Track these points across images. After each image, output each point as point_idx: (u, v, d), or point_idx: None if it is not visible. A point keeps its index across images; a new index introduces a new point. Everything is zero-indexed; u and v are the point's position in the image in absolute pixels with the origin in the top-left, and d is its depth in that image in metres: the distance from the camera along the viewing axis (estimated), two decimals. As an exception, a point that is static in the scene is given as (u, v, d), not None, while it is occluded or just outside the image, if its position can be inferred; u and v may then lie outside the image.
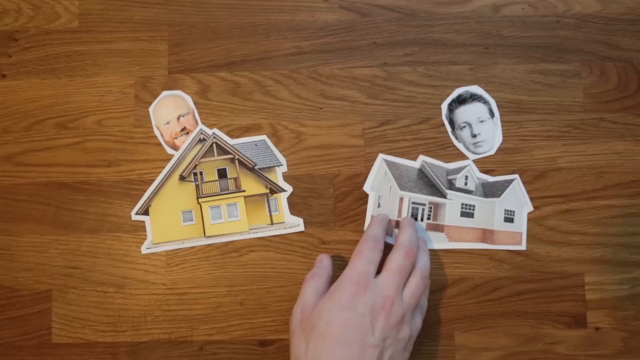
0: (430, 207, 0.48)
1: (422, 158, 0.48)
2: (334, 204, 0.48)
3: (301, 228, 0.47)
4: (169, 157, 0.49)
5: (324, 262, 0.45)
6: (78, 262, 0.48)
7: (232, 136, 0.49)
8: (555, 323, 0.47)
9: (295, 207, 0.48)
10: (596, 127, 0.49)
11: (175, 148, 0.49)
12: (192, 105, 0.49)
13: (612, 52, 0.49)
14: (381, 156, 0.48)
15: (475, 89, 0.49)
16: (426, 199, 0.48)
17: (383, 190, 0.48)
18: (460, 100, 0.49)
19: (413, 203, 0.48)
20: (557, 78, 0.49)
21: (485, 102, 0.48)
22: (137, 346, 0.48)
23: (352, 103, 0.49)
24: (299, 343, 0.40)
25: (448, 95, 0.49)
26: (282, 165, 0.48)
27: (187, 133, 0.49)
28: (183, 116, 0.49)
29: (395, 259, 0.42)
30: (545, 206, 0.48)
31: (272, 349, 0.47)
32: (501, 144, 0.49)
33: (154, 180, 0.49)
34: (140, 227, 0.48)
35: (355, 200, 0.48)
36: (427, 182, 0.48)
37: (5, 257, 0.48)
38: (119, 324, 0.48)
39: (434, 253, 0.48)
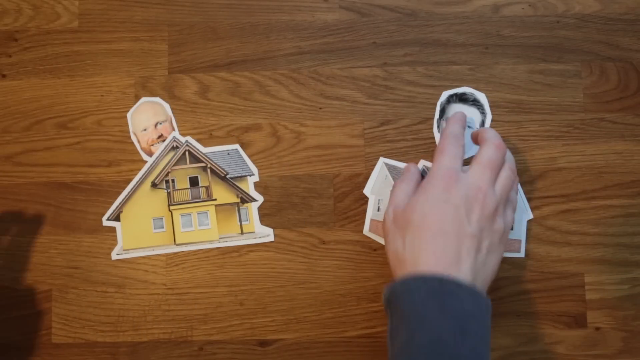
0: None
1: (422, 162, 0.48)
2: (334, 204, 0.48)
3: (271, 238, 0.48)
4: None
5: (412, 170, 0.44)
6: (78, 262, 0.48)
7: (231, 136, 0.49)
8: (555, 323, 0.47)
9: (295, 207, 0.48)
10: (596, 127, 0.49)
11: (151, 155, 0.49)
12: (170, 113, 0.49)
13: (612, 52, 0.49)
14: (382, 160, 0.48)
15: (482, 97, 0.49)
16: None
17: (383, 193, 0.48)
18: (462, 98, 0.49)
19: None
20: (557, 78, 0.49)
21: (483, 112, 0.48)
22: (137, 346, 0.48)
23: (352, 103, 0.49)
24: (395, 239, 0.40)
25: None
26: (253, 174, 0.48)
27: (164, 140, 0.49)
28: (160, 123, 0.49)
29: (486, 153, 0.41)
30: (545, 206, 0.48)
31: (272, 349, 0.47)
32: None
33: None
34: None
35: (355, 200, 0.48)
36: (386, 180, 0.48)
37: (5, 257, 0.48)
38: (119, 324, 0.48)
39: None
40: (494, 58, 0.49)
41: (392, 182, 0.47)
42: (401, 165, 0.48)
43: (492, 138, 0.42)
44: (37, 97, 0.50)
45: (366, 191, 0.48)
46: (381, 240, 0.48)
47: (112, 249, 0.48)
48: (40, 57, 0.50)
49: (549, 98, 0.49)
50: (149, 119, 0.49)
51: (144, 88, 0.50)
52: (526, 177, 0.48)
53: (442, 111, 0.49)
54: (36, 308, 0.48)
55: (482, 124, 0.49)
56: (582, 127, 0.49)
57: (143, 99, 0.49)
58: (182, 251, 0.48)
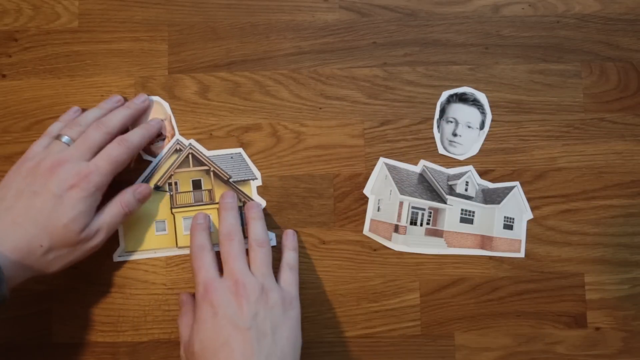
0: (430, 212, 0.48)
1: (423, 163, 0.48)
2: (334, 204, 0.48)
3: (273, 242, 0.47)
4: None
5: (183, 299, 0.46)
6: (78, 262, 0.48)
7: (231, 136, 0.49)
8: (555, 323, 0.47)
9: (295, 207, 0.48)
10: (596, 127, 0.49)
11: (151, 153, 0.49)
12: (170, 112, 0.49)
13: (612, 52, 0.49)
14: (382, 160, 0.48)
15: (482, 97, 0.49)
16: (426, 203, 0.48)
17: (383, 194, 0.48)
18: (462, 98, 0.49)
19: (413, 207, 0.48)
20: (557, 78, 0.49)
21: (483, 112, 0.48)
22: (137, 346, 0.48)
23: (352, 103, 0.49)
24: None
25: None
26: (256, 179, 0.48)
27: (163, 139, 0.49)
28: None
29: (223, 249, 0.43)
30: (545, 206, 0.48)
31: (272, 349, 0.47)
32: (501, 144, 0.49)
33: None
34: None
35: (355, 200, 0.48)
36: (427, 187, 0.48)
37: (5, 257, 0.48)
38: (119, 324, 0.48)
39: (433, 254, 0.48)
40: (494, 58, 0.49)
41: (393, 182, 0.47)
42: (401, 165, 0.48)
43: (222, 233, 0.44)
44: (37, 97, 0.50)
45: (366, 191, 0.48)
46: (382, 240, 0.48)
47: (112, 249, 0.48)
48: (40, 57, 0.50)
49: (549, 98, 0.49)
50: (147, 118, 0.49)
51: (144, 88, 0.50)
52: (526, 177, 0.48)
53: (442, 111, 0.49)
54: (36, 308, 0.48)
55: (482, 124, 0.49)
56: (582, 127, 0.49)
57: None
58: (185, 254, 0.48)
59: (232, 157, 0.48)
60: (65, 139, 0.43)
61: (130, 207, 0.44)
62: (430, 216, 0.48)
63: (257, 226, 0.45)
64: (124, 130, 0.46)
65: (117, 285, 0.48)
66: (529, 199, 0.48)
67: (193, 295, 0.45)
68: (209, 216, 0.46)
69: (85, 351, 0.48)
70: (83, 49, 0.50)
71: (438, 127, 0.49)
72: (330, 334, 0.47)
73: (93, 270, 0.48)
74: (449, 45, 0.50)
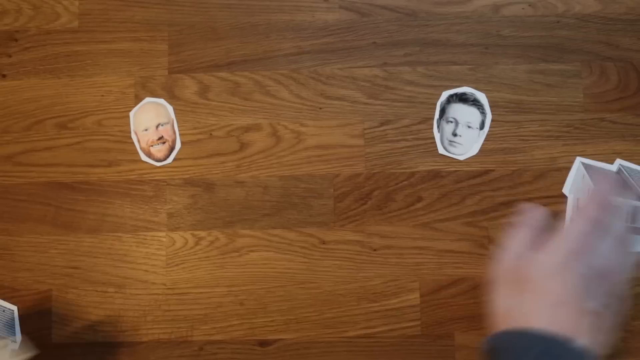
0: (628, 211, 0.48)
1: (619, 162, 0.48)
2: (334, 204, 0.48)
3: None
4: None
5: (535, 214, 0.40)
6: (78, 262, 0.48)
7: (231, 136, 0.49)
8: (555, 323, 0.47)
9: (295, 207, 0.48)
10: (596, 127, 0.49)
11: (151, 156, 0.49)
12: (173, 116, 0.49)
13: (612, 52, 0.49)
14: (579, 159, 0.48)
15: (482, 97, 0.49)
16: (624, 202, 0.47)
17: (581, 192, 0.47)
18: (462, 98, 0.49)
19: None
20: (557, 78, 0.49)
21: (483, 112, 0.48)
22: (137, 346, 0.48)
23: (352, 103, 0.49)
24: (508, 294, 0.37)
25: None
26: (16, 342, 0.46)
27: (164, 142, 0.49)
28: (162, 125, 0.49)
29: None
30: (545, 206, 0.48)
31: (272, 349, 0.47)
32: (501, 144, 0.49)
33: (154, 180, 0.49)
34: (140, 227, 0.48)
35: (355, 200, 0.48)
36: (624, 186, 0.48)
37: (5, 257, 0.48)
38: (119, 324, 0.48)
39: (435, 252, 0.48)
40: (494, 58, 0.49)
41: (590, 182, 0.47)
42: (596, 164, 0.47)
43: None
44: (37, 97, 0.50)
45: (565, 190, 0.48)
46: None
47: (112, 248, 0.48)
48: (40, 57, 0.50)
49: (549, 98, 0.49)
50: (151, 120, 0.49)
51: (144, 88, 0.50)
52: (526, 177, 0.48)
53: (442, 111, 0.49)
54: (36, 308, 0.48)
55: (482, 124, 0.49)
56: (582, 127, 0.49)
57: (147, 99, 0.49)
58: (183, 251, 0.48)
59: (3, 311, 0.46)
60: None
61: None
62: (628, 214, 0.47)
63: None
64: None
65: (117, 285, 0.48)
66: (528, 199, 0.48)
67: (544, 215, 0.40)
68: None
69: (85, 351, 0.48)
70: (83, 49, 0.50)
71: (438, 127, 0.49)
72: (330, 334, 0.47)
73: (93, 270, 0.48)
74: (449, 45, 0.50)
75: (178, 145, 0.49)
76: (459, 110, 0.49)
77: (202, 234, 0.48)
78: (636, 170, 0.48)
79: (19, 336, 0.47)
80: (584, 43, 0.49)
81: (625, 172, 0.48)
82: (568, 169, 0.48)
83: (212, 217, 0.48)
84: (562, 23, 0.50)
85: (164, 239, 0.48)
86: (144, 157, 0.49)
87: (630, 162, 0.48)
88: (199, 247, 0.48)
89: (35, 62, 0.50)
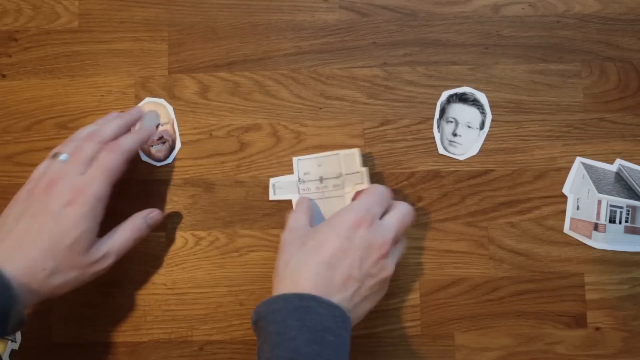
0: (628, 210, 0.48)
1: (619, 162, 0.48)
2: (334, 204, 0.48)
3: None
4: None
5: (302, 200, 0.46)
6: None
7: (231, 136, 0.49)
8: (555, 323, 0.47)
9: (295, 207, 0.48)
10: (596, 127, 0.49)
11: (151, 156, 0.49)
12: (173, 116, 0.49)
13: (612, 52, 0.49)
14: (579, 159, 0.48)
15: (482, 97, 0.49)
16: (624, 202, 0.48)
17: (581, 192, 0.48)
18: (462, 98, 0.49)
19: (611, 206, 0.48)
20: (557, 78, 0.49)
21: (483, 112, 0.48)
22: (137, 346, 0.48)
23: (352, 103, 0.49)
24: (285, 253, 0.41)
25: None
26: (15, 342, 0.46)
27: (164, 142, 0.49)
28: (162, 125, 0.49)
29: (400, 208, 0.42)
30: (545, 206, 0.48)
31: (272, 349, 0.47)
32: (501, 144, 0.49)
33: (155, 179, 0.49)
34: (140, 227, 0.48)
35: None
36: (624, 186, 0.48)
37: (5, 257, 0.48)
38: (119, 324, 0.48)
39: (435, 253, 0.48)
40: (494, 58, 0.49)
41: (590, 181, 0.47)
42: (597, 164, 0.48)
43: (400, 205, 0.43)
44: (37, 97, 0.50)
45: (565, 190, 0.48)
46: (582, 239, 0.47)
47: (112, 249, 0.48)
48: (40, 57, 0.50)
49: (549, 98, 0.49)
50: (153, 120, 0.49)
51: (144, 88, 0.50)
52: (526, 177, 0.48)
53: (442, 111, 0.49)
54: (36, 308, 0.48)
55: (482, 124, 0.49)
56: (582, 127, 0.49)
57: (147, 99, 0.49)
58: (183, 251, 0.48)
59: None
60: (62, 157, 0.42)
61: (141, 231, 0.43)
62: (628, 214, 0.48)
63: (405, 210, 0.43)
64: None
65: (117, 285, 0.48)
66: (529, 199, 0.48)
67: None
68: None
69: (85, 351, 0.48)
70: (83, 49, 0.50)
71: (438, 127, 0.49)
72: (330, 334, 0.47)
73: (93, 270, 0.48)
74: (449, 45, 0.50)
75: (178, 145, 0.49)
76: (459, 110, 0.49)
77: (202, 234, 0.48)
78: (636, 170, 0.48)
79: (18, 336, 0.47)
80: (584, 43, 0.49)
81: (625, 172, 0.48)
82: (568, 169, 0.48)
83: (212, 217, 0.49)
84: (562, 23, 0.50)
85: (163, 239, 0.48)
86: (144, 157, 0.49)
87: (630, 162, 0.48)
88: (198, 247, 0.48)
89: (35, 62, 0.50)
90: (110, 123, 0.44)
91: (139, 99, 0.50)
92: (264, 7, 0.50)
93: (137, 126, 0.47)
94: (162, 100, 0.49)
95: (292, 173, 0.48)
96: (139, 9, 0.50)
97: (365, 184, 0.45)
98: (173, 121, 0.49)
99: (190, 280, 0.48)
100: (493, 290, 0.47)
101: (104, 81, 0.50)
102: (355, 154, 0.46)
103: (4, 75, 0.50)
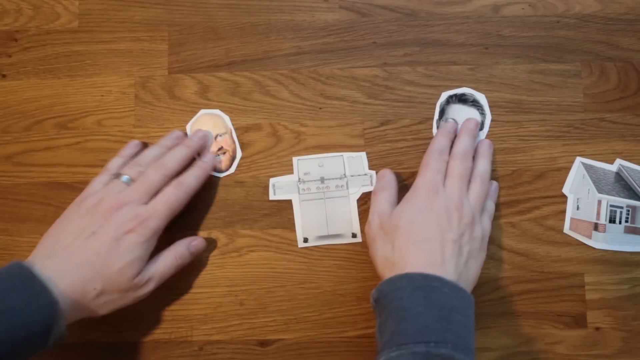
0: (628, 210, 0.48)
1: (619, 162, 0.48)
2: (334, 204, 0.48)
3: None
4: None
5: (387, 177, 0.47)
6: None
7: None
8: (555, 323, 0.47)
9: (295, 207, 0.48)
10: (596, 127, 0.49)
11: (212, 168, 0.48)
12: (230, 125, 0.49)
13: (612, 52, 0.49)
14: (579, 159, 0.48)
15: (481, 98, 0.49)
16: (624, 202, 0.48)
17: (581, 192, 0.48)
18: (461, 99, 0.49)
19: (611, 206, 0.48)
20: (557, 78, 0.49)
21: (483, 113, 0.48)
22: (137, 346, 0.48)
23: (352, 103, 0.49)
24: (384, 243, 0.43)
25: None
26: None
27: (224, 153, 0.49)
28: (220, 135, 0.49)
29: (453, 167, 0.45)
30: (545, 206, 0.48)
31: (272, 349, 0.47)
32: (501, 144, 0.49)
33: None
34: (140, 227, 0.48)
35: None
36: (624, 186, 0.48)
37: (5, 257, 0.48)
38: (119, 324, 0.48)
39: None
40: (494, 58, 0.49)
41: (590, 181, 0.47)
42: (597, 164, 0.48)
43: (458, 152, 0.46)
44: (37, 97, 0.50)
45: (565, 190, 0.48)
46: (582, 239, 0.47)
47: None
48: (40, 57, 0.50)
49: (549, 98, 0.49)
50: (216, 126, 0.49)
51: (144, 88, 0.50)
52: (526, 177, 0.48)
53: (442, 112, 0.49)
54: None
55: (482, 124, 0.49)
56: (582, 127, 0.49)
57: (202, 111, 0.49)
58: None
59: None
60: (124, 178, 0.43)
61: (183, 259, 0.45)
62: (628, 214, 0.48)
63: (485, 163, 0.46)
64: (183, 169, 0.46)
65: (117, 285, 0.48)
66: (528, 199, 0.48)
67: (396, 175, 0.47)
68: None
69: (85, 351, 0.48)
70: (83, 49, 0.50)
71: (437, 127, 0.49)
72: (330, 334, 0.47)
73: (93, 270, 0.48)
74: (449, 45, 0.50)
75: (239, 154, 0.49)
76: (458, 111, 0.49)
77: (202, 234, 0.48)
78: (636, 170, 0.48)
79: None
80: (584, 43, 0.49)
81: (625, 172, 0.48)
82: (568, 169, 0.48)
83: (212, 217, 0.49)
84: (562, 23, 0.50)
85: (163, 239, 0.48)
86: None
87: (630, 162, 0.48)
88: (199, 247, 0.48)
89: (35, 62, 0.50)
90: (177, 153, 0.45)
91: (139, 98, 0.50)
92: (264, 7, 0.50)
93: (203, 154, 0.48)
94: (217, 111, 0.49)
95: (292, 173, 0.48)
96: (139, 9, 0.50)
97: (374, 186, 0.47)
98: (231, 131, 0.49)
99: (190, 280, 0.48)
100: (493, 290, 0.47)
101: (104, 81, 0.50)
102: (362, 157, 0.47)
103: (4, 75, 0.50)
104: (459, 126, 0.48)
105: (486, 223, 0.45)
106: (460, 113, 0.49)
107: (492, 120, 0.49)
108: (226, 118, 0.49)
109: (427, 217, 0.42)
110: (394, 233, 0.42)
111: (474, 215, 0.43)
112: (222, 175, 0.49)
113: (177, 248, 0.45)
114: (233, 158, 0.49)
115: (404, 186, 0.48)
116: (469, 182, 0.45)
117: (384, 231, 0.43)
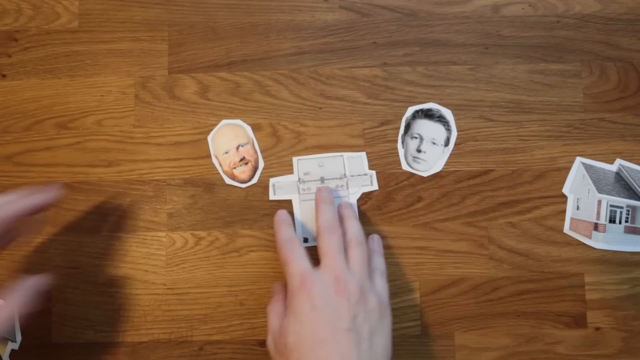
0: (628, 210, 0.48)
1: (619, 162, 0.48)
2: (334, 204, 0.48)
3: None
4: (169, 157, 0.49)
5: (276, 289, 0.45)
6: (78, 262, 0.48)
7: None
8: (555, 323, 0.47)
9: (295, 207, 0.48)
10: (596, 127, 0.49)
11: (234, 178, 0.48)
12: (252, 135, 0.49)
13: (612, 52, 0.49)
14: (579, 159, 0.48)
15: (447, 113, 0.48)
16: (624, 202, 0.48)
17: (581, 192, 0.48)
18: (427, 114, 0.49)
19: (611, 206, 0.48)
20: (557, 78, 0.49)
21: (449, 129, 0.48)
22: (137, 346, 0.48)
23: (352, 103, 0.49)
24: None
25: (448, 95, 0.49)
26: (15, 342, 0.46)
27: (246, 163, 0.48)
28: (242, 146, 0.49)
29: (323, 243, 0.42)
30: (545, 206, 0.48)
31: (272, 349, 0.47)
32: (501, 144, 0.49)
33: (154, 180, 0.49)
34: (140, 227, 0.48)
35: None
36: (624, 186, 0.48)
37: (5, 257, 0.48)
38: (119, 324, 0.48)
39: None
40: (494, 58, 0.49)
41: (590, 181, 0.47)
42: (597, 164, 0.48)
43: (321, 225, 0.43)
44: (37, 97, 0.50)
45: (565, 190, 0.48)
46: (582, 239, 0.47)
47: (112, 248, 0.48)
48: (40, 57, 0.50)
49: (549, 98, 0.49)
50: (230, 142, 0.49)
51: (144, 88, 0.50)
52: (526, 177, 0.48)
53: (407, 126, 0.49)
54: (36, 308, 0.48)
55: (447, 140, 0.48)
56: (582, 127, 0.49)
57: (223, 122, 0.49)
58: (183, 251, 0.48)
59: None
60: None
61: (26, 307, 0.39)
62: (628, 214, 0.48)
63: (355, 224, 0.44)
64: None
65: (117, 285, 0.48)
66: (529, 199, 0.48)
67: (285, 286, 0.43)
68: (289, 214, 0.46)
69: (85, 351, 0.48)
70: (83, 49, 0.50)
71: (402, 142, 0.49)
72: (330, 334, 0.47)
73: (93, 270, 0.48)
74: (449, 45, 0.50)
75: (261, 165, 0.49)
76: (424, 127, 0.49)
77: (202, 234, 0.48)
78: (636, 170, 0.48)
79: (19, 336, 0.47)
80: (584, 43, 0.49)
81: (625, 172, 0.48)
82: (568, 169, 0.48)
83: (212, 217, 0.49)
84: (562, 23, 0.50)
85: (164, 239, 0.48)
86: (227, 180, 0.48)
87: (630, 162, 0.48)
88: (199, 247, 0.48)
89: (35, 62, 0.50)
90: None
91: (138, 99, 0.50)
92: (264, 7, 0.50)
93: None
94: (239, 121, 0.49)
95: (292, 173, 0.48)
96: (139, 9, 0.50)
97: (374, 186, 0.47)
98: (253, 141, 0.48)
99: (190, 280, 0.48)
100: (493, 290, 0.48)
101: (104, 81, 0.50)
102: (362, 157, 0.47)
103: (4, 75, 0.50)
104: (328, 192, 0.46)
105: (380, 284, 0.42)
106: (426, 128, 0.49)
107: (492, 120, 0.49)
108: (247, 128, 0.49)
109: (311, 318, 0.38)
110: (286, 351, 0.39)
111: (361, 287, 0.40)
112: (244, 185, 0.48)
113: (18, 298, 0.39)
114: (255, 168, 0.48)
115: (403, 186, 0.48)
116: (345, 250, 0.42)
117: (279, 353, 0.40)
